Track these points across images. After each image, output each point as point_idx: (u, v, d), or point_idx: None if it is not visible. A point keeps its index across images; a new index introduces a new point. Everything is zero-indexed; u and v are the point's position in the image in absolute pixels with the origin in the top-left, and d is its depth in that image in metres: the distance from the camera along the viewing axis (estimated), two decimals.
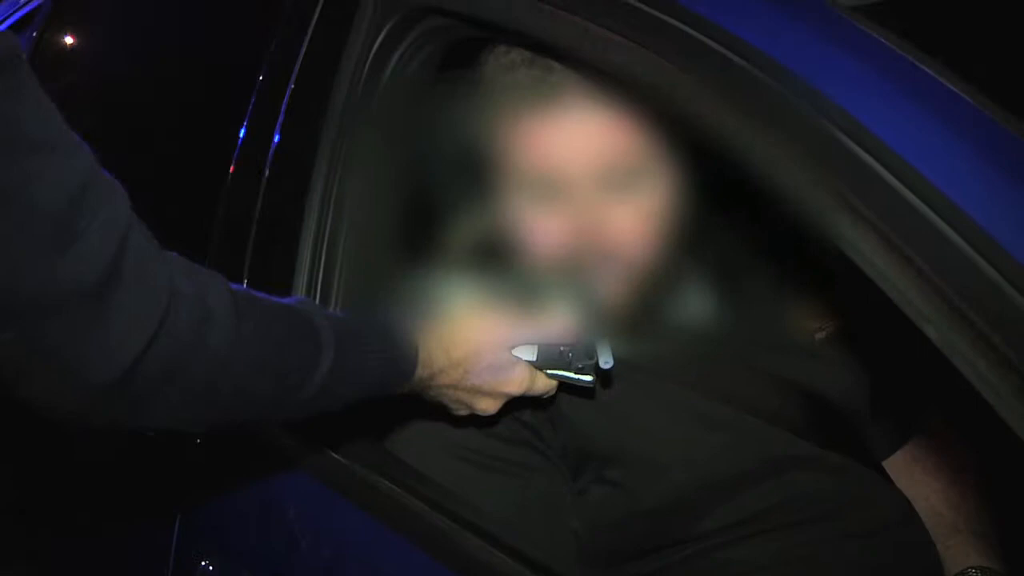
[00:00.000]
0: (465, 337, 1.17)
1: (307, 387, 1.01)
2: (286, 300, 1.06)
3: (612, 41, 1.07)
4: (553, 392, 1.23)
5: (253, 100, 1.53)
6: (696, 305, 1.42)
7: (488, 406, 1.20)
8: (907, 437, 1.52)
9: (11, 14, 2.26)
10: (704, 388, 1.36)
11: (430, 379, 1.15)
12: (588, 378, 1.21)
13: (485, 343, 1.17)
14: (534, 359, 1.21)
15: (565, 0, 1.13)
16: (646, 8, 1.02)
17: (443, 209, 1.48)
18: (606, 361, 1.19)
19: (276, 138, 1.47)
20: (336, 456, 1.33)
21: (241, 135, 1.53)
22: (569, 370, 1.21)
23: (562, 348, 1.21)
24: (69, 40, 2.16)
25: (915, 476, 1.49)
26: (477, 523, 1.17)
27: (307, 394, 1.01)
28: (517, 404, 1.26)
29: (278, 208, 1.45)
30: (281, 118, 1.48)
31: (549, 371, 1.22)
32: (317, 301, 1.37)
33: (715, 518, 1.29)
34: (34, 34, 2.15)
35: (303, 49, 1.47)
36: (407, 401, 1.20)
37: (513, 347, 1.20)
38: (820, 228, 0.90)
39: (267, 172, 1.47)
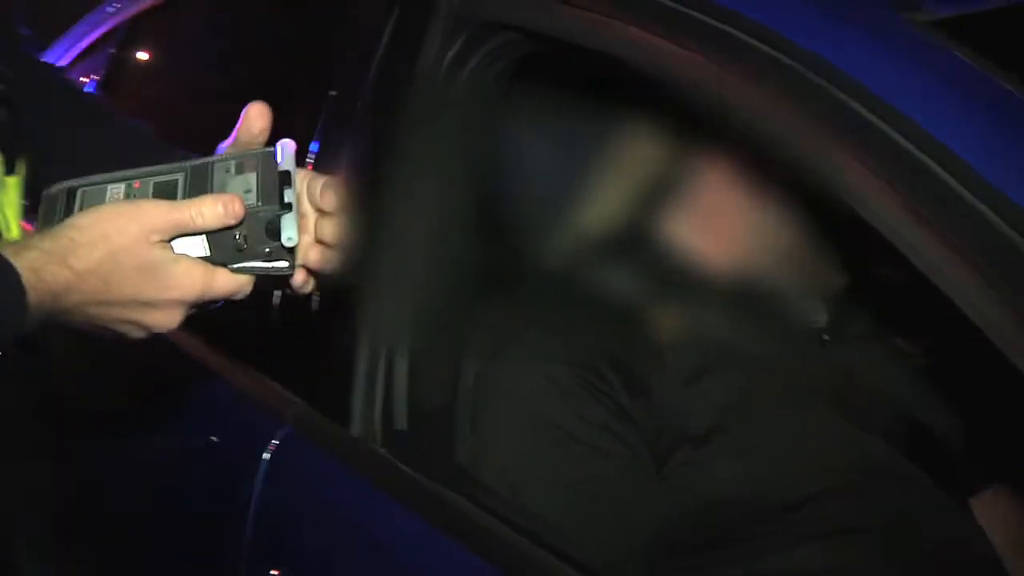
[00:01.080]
0: (90, 240, 0.96)
1: None
2: None
3: (692, 62, 1.08)
4: (249, 290, 1.05)
5: (323, 116, 1.56)
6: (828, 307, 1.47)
7: (163, 320, 1.02)
8: (997, 478, 1.52)
9: (90, 32, 2.34)
10: (817, 386, 1.37)
11: (55, 302, 0.96)
12: (283, 264, 1.04)
13: (120, 243, 0.97)
14: (207, 253, 1.02)
15: (639, 18, 1.14)
16: (733, 31, 1.03)
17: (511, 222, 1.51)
18: (288, 238, 1.01)
19: (347, 157, 1.49)
20: (408, 471, 1.34)
21: (313, 149, 1.55)
22: (257, 259, 1.03)
23: (236, 234, 1.01)
24: (143, 56, 2.22)
25: (998, 516, 1.49)
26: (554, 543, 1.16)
27: None
28: (222, 311, 1.09)
29: (348, 223, 1.39)
30: (353, 137, 1.50)
31: (233, 265, 1.03)
32: (388, 307, 1.39)
33: (797, 519, 1.29)
34: (111, 51, 2.22)
35: (375, 64, 1.48)
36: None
37: (169, 241, 1.01)
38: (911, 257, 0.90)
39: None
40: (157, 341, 1.71)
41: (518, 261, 1.65)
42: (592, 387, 1.41)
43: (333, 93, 1.54)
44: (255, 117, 1.08)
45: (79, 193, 1.03)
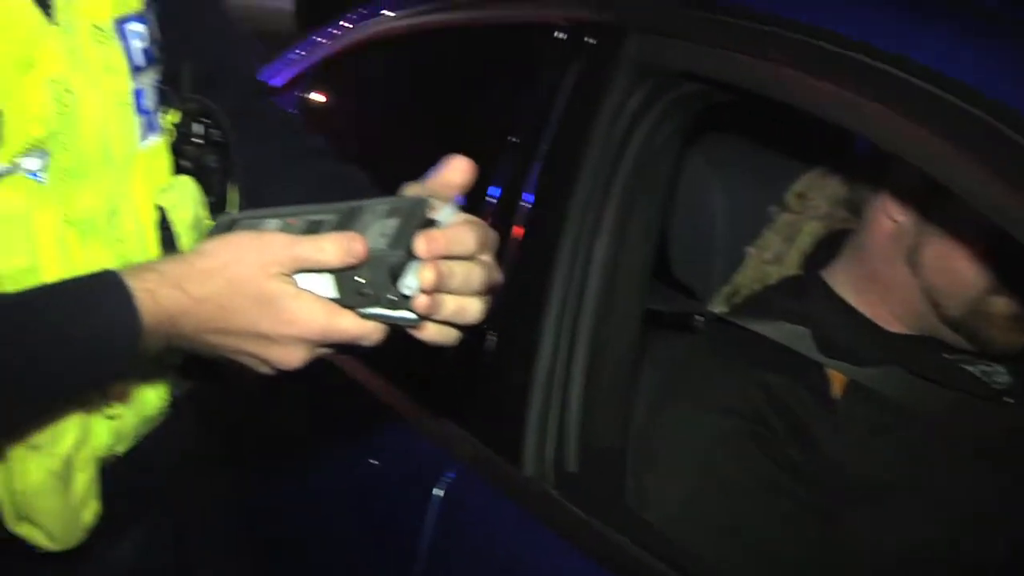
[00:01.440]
0: (209, 267, 0.95)
1: None
2: None
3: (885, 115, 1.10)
4: (379, 337, 0.97)
5: (505, 161, 1.59)
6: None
7: (283, 356, 0.97)
8: None
9: (274, 77, 2.44)
10: (996, 447, 1.36)
11: (172, 326, 0.94)
12: (410, 315, 0.95)
13: (239, 271, 0.94)
14: (336, 295, 0.96)
15: (838, 77, 1.16)
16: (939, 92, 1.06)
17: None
18: (407, 285, 0.93)
19: (526, 203, 1.53)
20: (579, 512, 1.35)
21: (494, 195, 1.58)
22: (382, 305, 0.95)
23: (359, 277, 0.94)
24: (324, 99, 2.32)
25: None
26: None
27: None
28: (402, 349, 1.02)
29: (527, 266, 1.49)
30: (532, 182, 1.53)
31: (361, 309, 0.97)
32: (562, 350, 1.41)
33: None
34: (298, 93, 2.32)
35: (556, 113, 1.51)
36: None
37: (296, 276, 0.96)
38: None
39: (518, 231, 1.53)
40: (334, 373, 1.74)
41: (691, 306, 1.67)
42: (761, 438, 1.42)
43: (514, 140, 1.58)
44: (454, 171, 1.02)
45: (237, 224, 1.05)
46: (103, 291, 0.93)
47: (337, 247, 0.91)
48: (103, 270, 0.94)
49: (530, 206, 1.52)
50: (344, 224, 0.97)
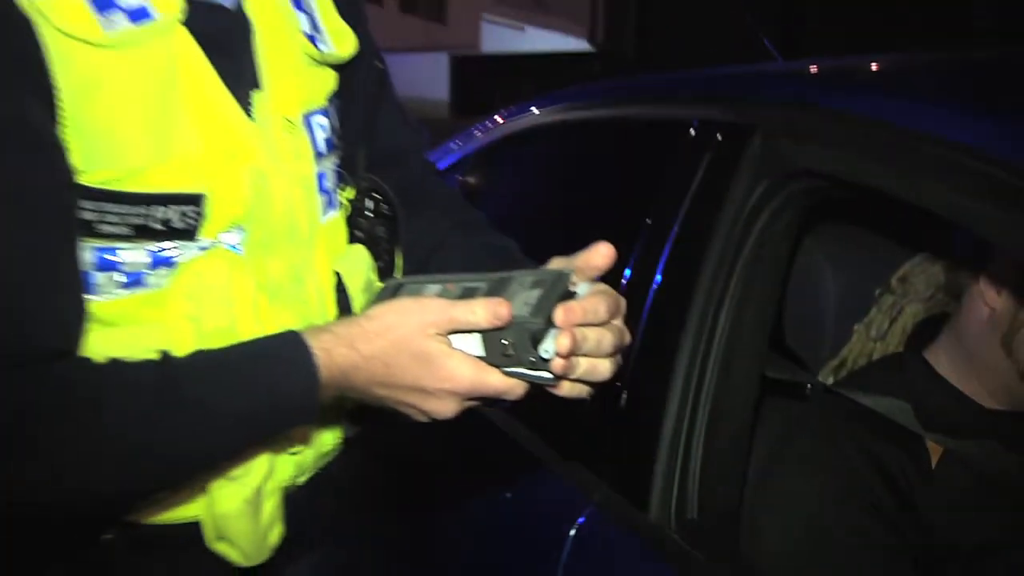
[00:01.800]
0: (377, 329, 1.03)
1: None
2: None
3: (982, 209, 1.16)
4: (520, 392, 1.04)
5: (641, 240, 1.65)
6: None
7: (440, 407, 1.04)
8: None
9: (439, 162, 2.51)
10: None
11: (345, 379, 1.03)
12: (548, 375, 1.01)
13: (401, 332, 1.02)
14: (482, 353, 1.03)
15: (935, 170, 1.23)
16: None
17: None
18: (545, 350, 0.99)
19: (658, 278, 1.58)
20: (698, 555, 1.41)
21: (626, 273, 1.64)
22: (524, 365, 1.01)
23: (504, 339, 1.01)
24: (480, 182, 2.41)
25: None
26: None
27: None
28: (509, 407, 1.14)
29: (658, 333, 1.56)
30: (663, 260, 1.58)
31: (506, 368, 1.03)
32: (687, 410, 1.47)
33: None
34: (458, 177, 2.41)
35: (688, 199, 1.58)
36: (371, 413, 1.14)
37: (450, 336, 1.03)
38: None
39: (648, 306, 1.58)
40: (482, 421, 1.82)
41: (802, 376, 1.72)
42: (863, 498, 1.46)
43: (649, 221, 1.65)
44: (597, 255, 1.08)
45: (402, 288, 1.11)
46: (289, 349, 1.02)
47: (486, 311, 0.99)
48: (288, 331, 1.04)
49: (662, 280, 1.58)
50: (494, 291, 1.04)
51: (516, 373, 1.03)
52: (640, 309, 1.58)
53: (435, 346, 1.02)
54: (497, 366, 1.02)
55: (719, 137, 1.58)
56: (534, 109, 2.25)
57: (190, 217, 1.06)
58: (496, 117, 2.42)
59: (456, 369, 1.01)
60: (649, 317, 1.58)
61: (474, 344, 1.02)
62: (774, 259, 1.53)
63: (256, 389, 1.01)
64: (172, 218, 1.05)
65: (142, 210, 1.03)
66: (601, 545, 1.56)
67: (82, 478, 0.98)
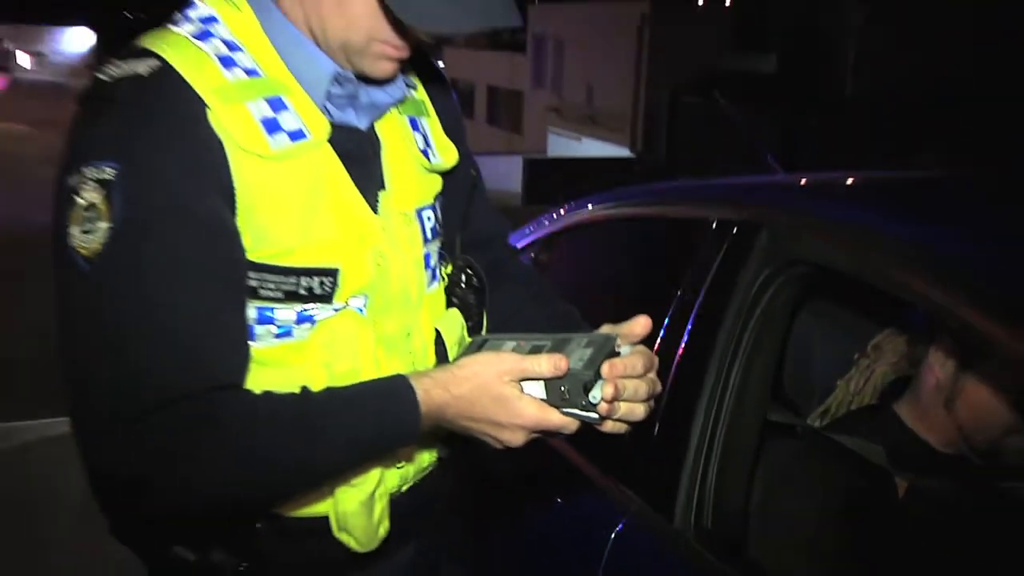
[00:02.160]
0: (464, 375, 1.04)
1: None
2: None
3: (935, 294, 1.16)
4: (574, 429, 1.06)
5: (671, 312, 1.64)
6: None
7: (512, 438, 1.05)
8: None
9: (518, 241, 2.48)
10: None
11: (440, 413, 1.05)
12: (595, 416, 1.04)
13: (483, 379, 1.04)
14: (544, 396, 1.04)
15: (903, 264, 1.23)
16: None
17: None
18: (594, 396, 1.02)
19: (685, 339, 1.58)
20: (712, 559, 1.39)
21: (661, 334, 1.63)
22: (577, 407, 1.04)
23: (562, 387, 1.03)
24: (548, 262, 2.40)
25: None
26: None
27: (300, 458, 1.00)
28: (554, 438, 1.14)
29: (684, 382, 1.55)
30: (690, 326, 1.58)
31: (563, 409, 1.04)
32: (705, 442, 1.46)
33: None
34: (532, 254, 2.40)
35: (708, 280, 1.58)
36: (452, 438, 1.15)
37: (521, 383, 1.04)
38: None
39: (677, 361, 1.57)
40: (544, 445, 1.80)
41: (796, 419, 1.71)
42: (846, 521, 1.45)
43: (679, 295, 1.64)
44: (638, 325, 1.12)
45: (486, 343, 1.13)
46: (398, 389, 1.05)
47: (549, 363, 1.02)
48: (398, 374, 1.07)
49: (688, 341, 1.57)
50: (556, 348, 1.06)
51: (571, 413, 1.04)
52: (671, 363, 1.58)
53: (509, 390, 1.04)
54: (556, 407, 1.04)
55: (734, 232, 1.59)
56: (590, 205, 2.26)
57: (327, 286, 1.09)
58: (560, 210, 2.42)
59: (525, 409, 1.04)
60: (678, 370, 1.57)
61: (539, 389, 1.04)
62: (775, 327, 1.52)
63: (372, 419, 1.04)
64: (314, 286, 1.08)
65: (292, 280, 1.07)
66: (636, 547, 1.55)
67: (239, 481, 1.01)
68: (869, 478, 1.51)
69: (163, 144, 0.98)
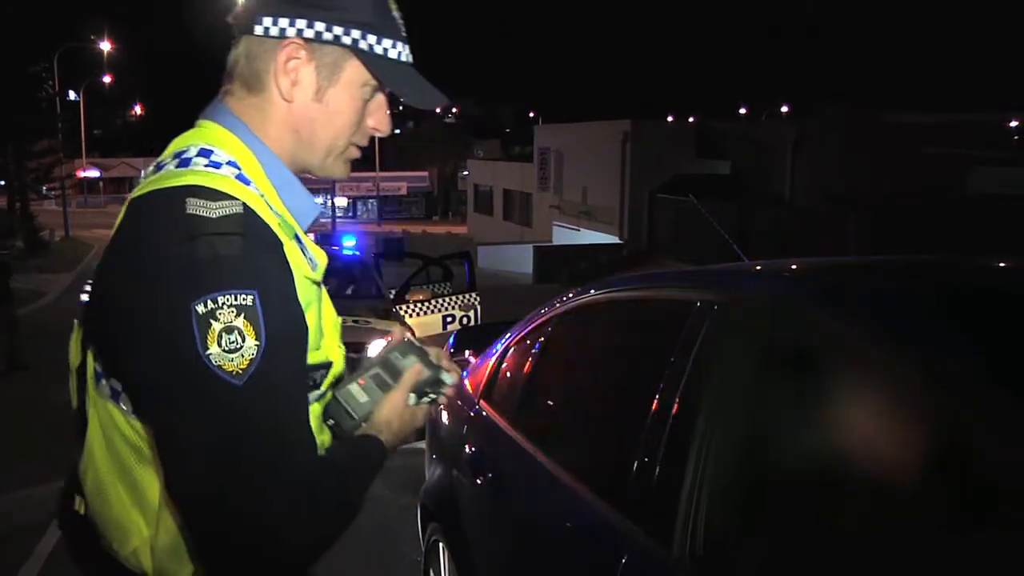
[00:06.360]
0: (385, 420, 1.11)
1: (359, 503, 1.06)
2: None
3: None
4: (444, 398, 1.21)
5: (665, 373, 1.58)
6: None
7: (417, 426, 1.17)
8: None
9: (532, 320, 2.47)
10: None
11: (391, 442, 1.12)
12: (441, 397, 1.21)
13: (393, 415, 1.12)
14: (416, 400, 1.18)
15: None
16: None
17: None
18: (449, 378, 1.21)
19: (676, 406, 1.53)
20: None
21: (654, 405, 1.58)
22: (433, 393, 1.20)
23: (424, 388, 1.19)
24: (560, 333, 2.34)
25: None
26: None
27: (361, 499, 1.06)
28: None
29: (679, 425, 1.50)
30: (682, 384, 1.53)
31: (427, 397, 1.20)
32: (696, 488, 1.39)
33: None
34: (548, 328, 2.37)
35: (696, 348, 1.55)
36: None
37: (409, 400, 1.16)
38: None
39: (670, 423, 1.52)
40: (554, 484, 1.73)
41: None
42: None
43: (672, 360, 1.59)
44: (395, 335, 1.22)
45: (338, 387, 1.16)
46: (373, 440, 1.10)
47: (412, 375, 1.16)
48: (366, 435, 1.10)
49: (683, 393, 1.53)
50: (384, 367, 1.16)
51: (430, 396, 1.21)
52: (668, 416, 1.54)
53: (409, 411, 1.16)
54: (419, 398, 1.19)
55: (715, 309, 1.58)
56: (592, 290, 2.23)
57: (322, 377, 1.08)
58: (569, 293, 2.39)
59: (419, 412, 1.19)
60: (674, 421, 1.53)
61: (412, 398, 1.18)
62: (746, 379, 1.47)
63: (369, 461, 1.09)
64: (317, 378, 1.07)
65: (311, 375, 1.05)
66: (643, 570, 1.49)
67: (335, 523, 1.02)
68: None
69: (279, 271, 0.95)
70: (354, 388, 1.13)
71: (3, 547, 4.16)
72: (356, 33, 1.02)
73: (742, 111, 62.13)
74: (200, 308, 0.88)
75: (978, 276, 1.58)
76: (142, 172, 1.07)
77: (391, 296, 7.83)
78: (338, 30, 1.02)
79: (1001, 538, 0.95)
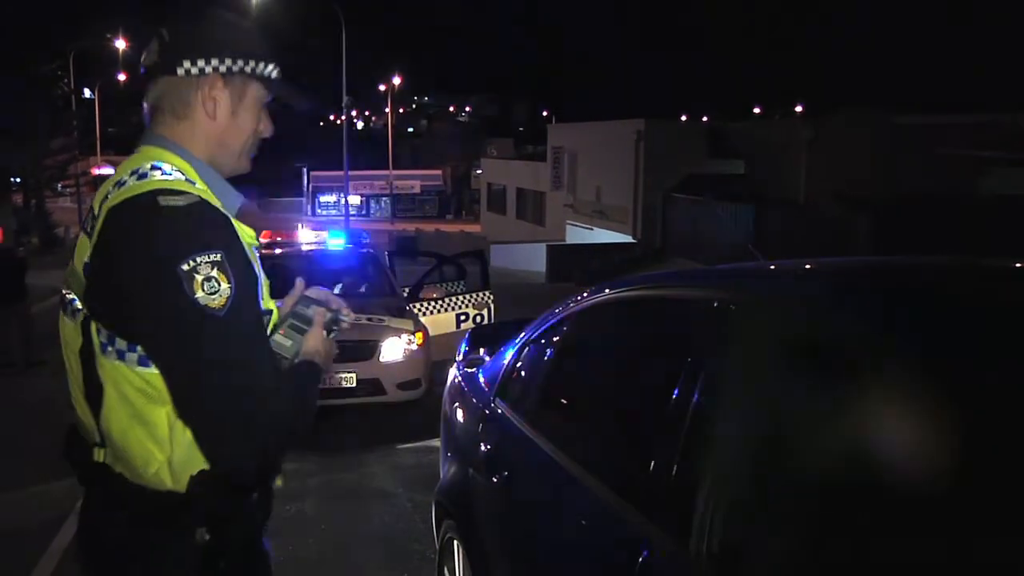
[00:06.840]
0: (313, 348, 1.40)
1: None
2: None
3: None
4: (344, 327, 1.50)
5: (684, 371, 1.60)
6: None
7: (333, 353, 1.47)
8: None
9: (547, 321, 2.49)
10: None
11: (323, 363, 1.41)
12: (339, 332, 1.50)
13: (315, 341, 1.41)
14: (327, 334, 1.46)
15: None
16: None
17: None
18: (346, 317, 1.49)
19: (692, 404, 1.53)
20: None
21: (675, 392, 1.59)
22: (338, 327, 1.49)
23: (331, 325, 1.47)
24: (574, 333, 2.36)
25: None
26: None
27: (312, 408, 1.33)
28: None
29: (698, 426, 1.50)
30: (701, 379, 1.54)
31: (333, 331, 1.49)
32: (712, 493, 1.40)
33: None
34: (564, 329, 2.36)
35: (715, 343, 1.57)
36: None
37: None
38: None
39: (687, 422, 1.53)
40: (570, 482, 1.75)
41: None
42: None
43: (689, 360, 1.61)
44: (296, 290, 1.49)
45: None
46: (311, 362, 1.39)
47: (320, 318, 1.44)
48: (305, 360, 1.38)
49: (700, 392, 1.53)
50: (298, 317, 1.44)
51: (335, 333, 1.50)
52: (686, 415, 1.54)
53: (326, 345, 1.45)
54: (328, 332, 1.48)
55: (730, 307, 1.59)
56: (608, 289, 2.24)
57: (268, 321, 1.38)
58: (585, 292, 2.39)
59: (332, 343, 1.48)
60: (692, 418, 1.53)
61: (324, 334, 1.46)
62: (773, 384, 1.46)
63: (312, 371, 1.39)
64: (264, 322, 1.35)
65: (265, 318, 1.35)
66: (660, 568, 1.50)
67: (298, 408, 1.29)
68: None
69: (233, 238, 1.25)
70: (278, 337, 1.40)
71: (19, 542, 4.21)
72: (253, 63, 1.36)
73: (756, 111, 61.88)
74: (184, 267, 1.17)
75: (989, 278, 1.57)
76: (96, 193, 1.32)
77: (405, 294, 7.84)
78: (241, 63, 1.35)
79: None
